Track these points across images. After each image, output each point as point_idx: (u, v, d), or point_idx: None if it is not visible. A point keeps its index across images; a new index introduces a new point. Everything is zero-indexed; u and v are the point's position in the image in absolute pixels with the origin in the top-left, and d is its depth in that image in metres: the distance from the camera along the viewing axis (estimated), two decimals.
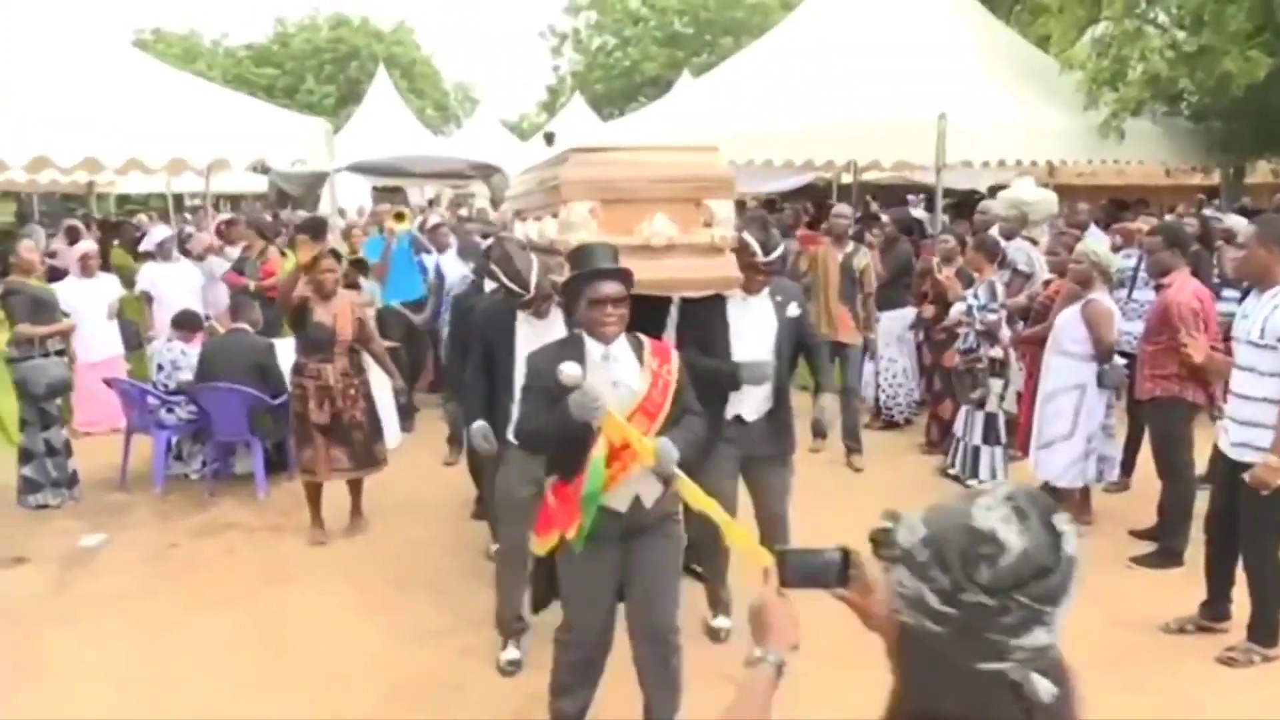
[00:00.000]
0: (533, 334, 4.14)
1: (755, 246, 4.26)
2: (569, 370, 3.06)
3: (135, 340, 9.06)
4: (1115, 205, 12.10)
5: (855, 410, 7.28)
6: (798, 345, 4.54)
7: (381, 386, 6.69)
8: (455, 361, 5.06)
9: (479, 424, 4.27)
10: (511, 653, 4.37)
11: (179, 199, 22.26)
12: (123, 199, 23.59)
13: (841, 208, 8.04)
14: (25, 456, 6.58)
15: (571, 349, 3.29)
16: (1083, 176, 13.67)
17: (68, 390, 6.63)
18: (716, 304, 4.29)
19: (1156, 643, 4.53)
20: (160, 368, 7.32)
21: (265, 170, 12.82)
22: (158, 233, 9.22)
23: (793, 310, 4.46)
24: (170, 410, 7.02)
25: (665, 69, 33.27)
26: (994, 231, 7.57)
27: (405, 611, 4.95)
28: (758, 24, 31.95)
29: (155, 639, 4.72)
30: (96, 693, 4.23)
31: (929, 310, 7.60)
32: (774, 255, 4.31)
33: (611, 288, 3.27)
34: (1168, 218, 9.37)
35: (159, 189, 19.77)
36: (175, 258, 8.88)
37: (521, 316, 4.22)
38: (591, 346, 3.29)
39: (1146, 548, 5.49)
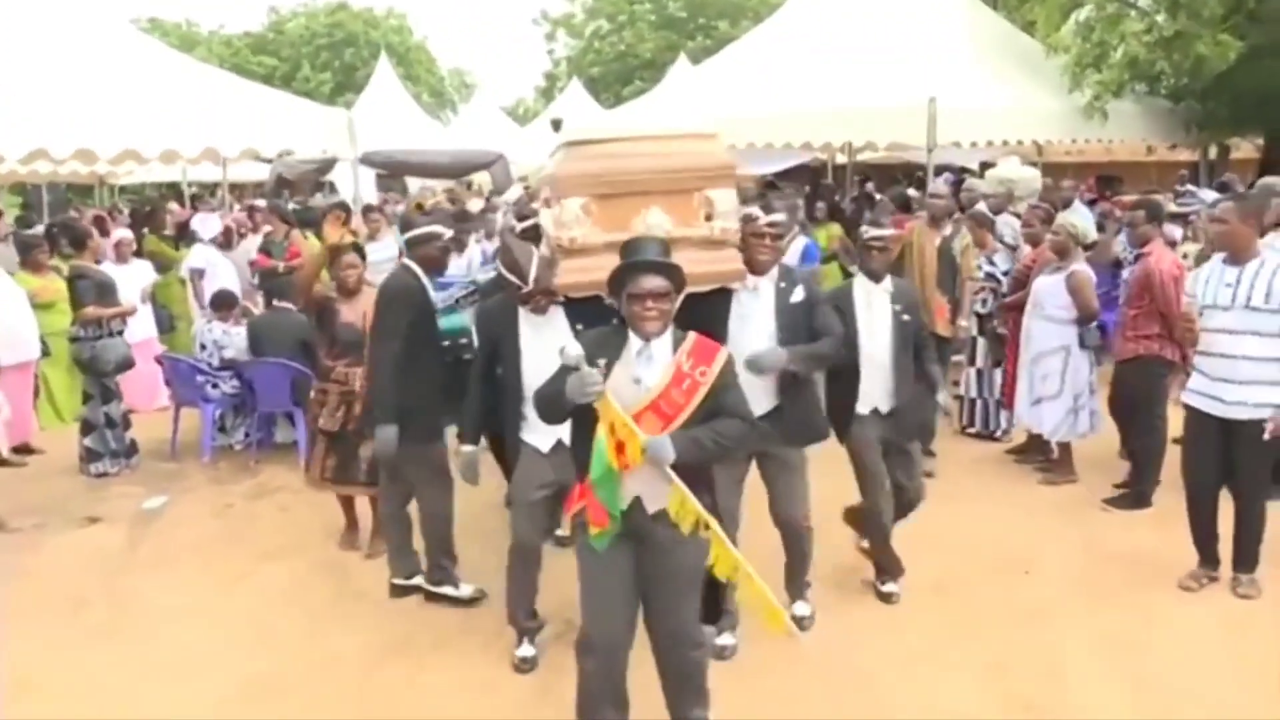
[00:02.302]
0: (534, 332, 4.12)
1: (756, 211, 4.17)
2: (570, 351, 3.09)
3: (168, 323, 9.56)
4: (1102, 181, 12.63)
5: (933, 408, 6.64)
6: (810, 332, 4.23)
7: None
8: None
9: (468, 451, 4.33)
10: (526, 650, 4.31)
11: (174, 186, 22.46)
12: (124, 189, 23.91)
13: (938, 185, 7.97)
14: (87, 428, 7.12)
15: (613, 339, 3.29)
16: (1070, 154, 14.17)
17: (131, 367, 7.15)
18: (721, 299, 4.13)
19: (1127, 571, 5.10)
20: (203, 347, 7.83)
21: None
22: (210, 222, 9.66)
23: (797, 295, 4.24)
24: (215, 385, 7.54)
25: (661, 52, 33.60)
26: (980, 206, 8.09)
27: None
28: (753, 6, 32.33)
29: (231, 584, 5.26)
30: (190, 630, 4.78)
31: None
32: (776, 216, 4.20)
33: (652, 282, 3.20)
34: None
35: (162, 179, 20.17)
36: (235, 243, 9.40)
37: (523, 315, 4.15)
38: (632, 339, 3.26)
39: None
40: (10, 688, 4.29)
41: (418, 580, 4.97)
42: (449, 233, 5.07)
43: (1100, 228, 10.44)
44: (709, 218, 3.96)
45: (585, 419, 3.21)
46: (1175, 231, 7.70)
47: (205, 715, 4.05)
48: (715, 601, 3.98)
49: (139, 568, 5.54)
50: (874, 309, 4.61)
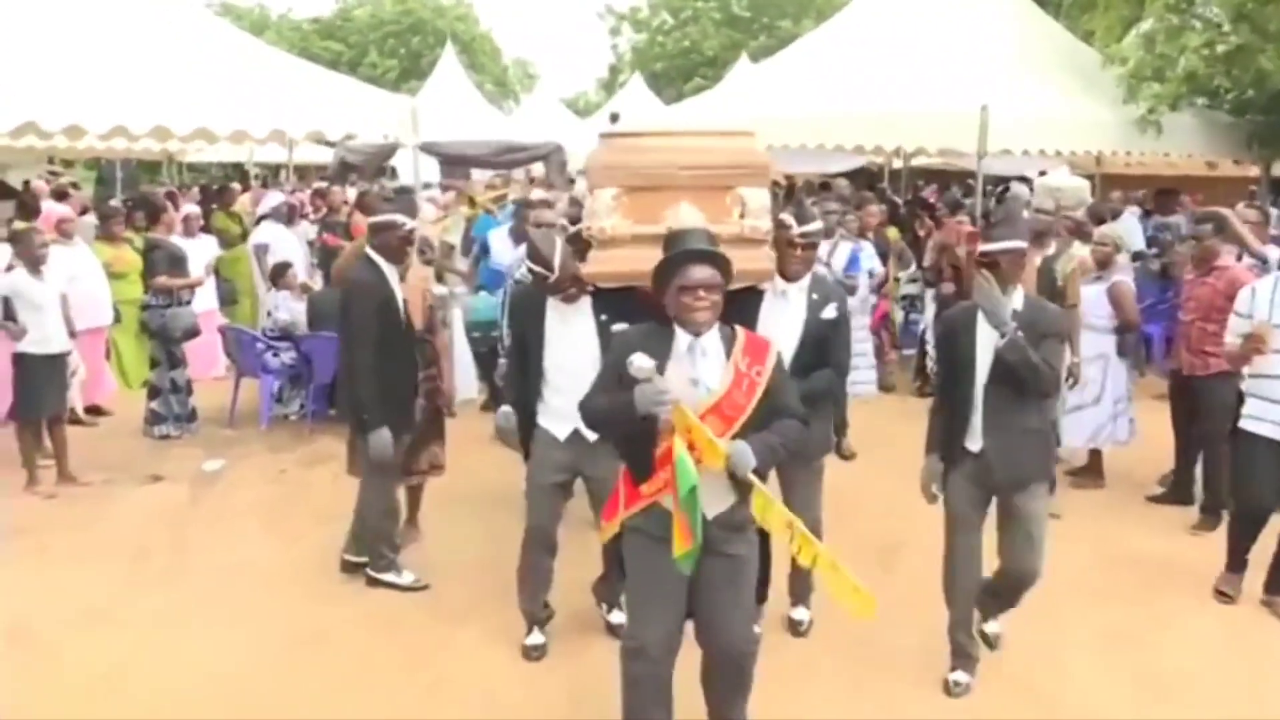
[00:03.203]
0: (560, 321, 4.14)
1: (789, 219, 4.13)
2: (639, 363, 2.96)
3: (230, 296, 9.97)
4: (1162, 194, 12.53)
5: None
6: (826, 352, 4.19)
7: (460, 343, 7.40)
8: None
9: (505, 409, 4.51)
10: (535, 637, 4.37)
11: (239, 167, 23.09)
12: (191, 167, 24.58)
13: (1039, 200, 7.54)
14: (153, 392, 7.52)
15: (658, 336, 3.16)
16: (1130, 167, 14.06)
17: (197, 334, 7.54)
18: (750, 299, 4.07)
19: (1137, 573, 5.25)
20: (268, 314, 8.17)
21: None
22: (272, 197, 10.06)
23: (829, 312, 4.18)
24: (275, 355, 7.88)
25: (724, 50, 33.68)
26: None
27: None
28: (818, 5, 32.28)
29: (286, 544, 5.58)
30: (244, 582, 5.12)
31: (948, 287, 8.13)
32: (810, 227, 4.16)
33: (704, 272, 3.08)
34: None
35: (229, 158, 20.77)
36: (295, 221, 9.80)
37: (551, 303, 4.14)
38: (680, 336, 3.14)
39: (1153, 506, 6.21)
40: (80, 617, 4.67)
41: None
42: (411, 222, 4.99)
43: (1153, 241, 10.46)
44: (741, 215, 3.94)
45: (644, 428, 3.11)
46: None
47: (254, 659, 4.35)
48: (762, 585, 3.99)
49: (198, 523, 5.90)
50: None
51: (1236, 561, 4.98)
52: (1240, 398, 5.14)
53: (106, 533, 5.73)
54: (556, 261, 4.02)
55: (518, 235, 7.76)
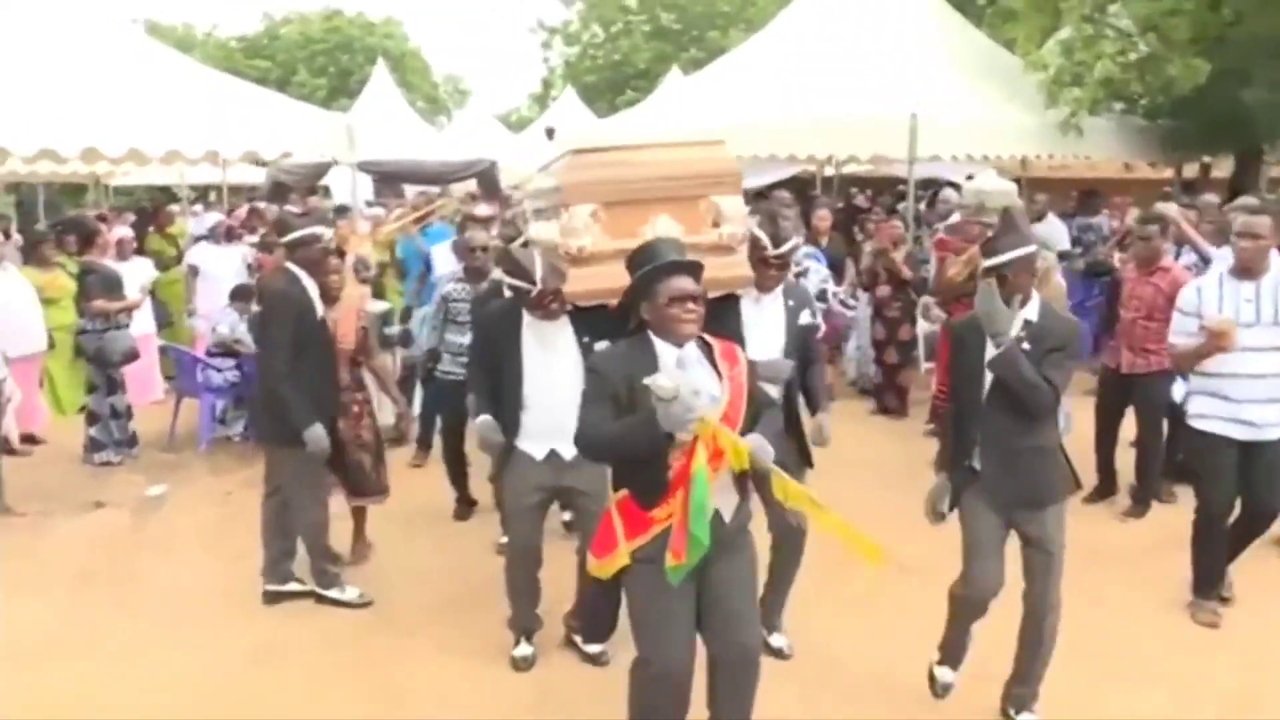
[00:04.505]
0: (538, 339, 4.13)
1: (765, 240, 4.14)
2: (662, 382, 2.87)
3: (166, 319, 9.81)
4: (1084, 195, 12.97)
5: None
6: (803, 356, 4.28)
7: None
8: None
9: (484, 419, 4.25)
10: (524, 649, 4.38)
11: (167, 190, 22.67)
12: (118, 190, 24.07)
13: (966, 203, 7.70)
14: (92, 419, 7.38)
15: (639, 351, 3.14)
16: (1053, 170, 14.51)
17: (136, 358, 7.41)
18: (731, 304, 4.08)
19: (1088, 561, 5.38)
20: (213, 330, 8.00)
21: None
22: (209, 218, 9.93)
23: (805, 318, 4.28)
24: (218, 372, 7.76)
25: (655, 62, 33.94)
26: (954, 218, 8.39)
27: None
28: (746, 16, 32.71)
29: (235, 563, 5.49)
30: (195, 603, 5.07)
31: (883, 290, 8.46)
32: (785, 249, 4.18)
33: (689, 282, 3.12)
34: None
35: (159, 180, 20.40)
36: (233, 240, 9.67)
37: (528, 321, 4.13)
38: (662, 349, 3.12)
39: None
40: (30, 649, 4.60)
41: (293, 586, 5.05)
42: (329, 233, 5.05)
43: (1076, 241, 10.82)
44: (716, 224, 3.95)
45: (656, 450, 3.05)
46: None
47: (212, 676, 4.33)
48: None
49: (144, 548, 5.82)
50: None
51: (1207, 581, 4.79)
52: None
53: (50, 562, 5.62)
54: (538, 275, 4.01)
55: (460, 250, 7.76)
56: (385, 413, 6.30)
